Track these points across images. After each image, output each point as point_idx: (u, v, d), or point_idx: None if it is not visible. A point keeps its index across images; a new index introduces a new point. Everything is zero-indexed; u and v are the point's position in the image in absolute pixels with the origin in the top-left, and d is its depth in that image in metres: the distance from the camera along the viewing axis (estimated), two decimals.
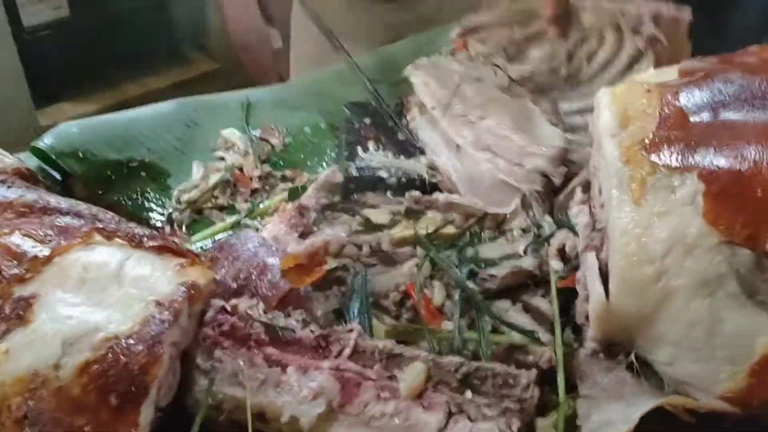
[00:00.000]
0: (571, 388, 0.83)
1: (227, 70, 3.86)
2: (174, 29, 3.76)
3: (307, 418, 0.72)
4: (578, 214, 0.88)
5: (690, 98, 0.78)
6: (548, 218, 1.01)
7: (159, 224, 1.15)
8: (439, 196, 1.04)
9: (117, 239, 0.78)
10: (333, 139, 1.35)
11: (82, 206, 0.87)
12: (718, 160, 0.72)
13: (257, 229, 1.08)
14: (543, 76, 1.23)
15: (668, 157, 0.74)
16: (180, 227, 1.14)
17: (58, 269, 0.73)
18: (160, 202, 1.19)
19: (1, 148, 1.02)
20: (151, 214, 1.16)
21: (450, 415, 0.73)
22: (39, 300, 0.69)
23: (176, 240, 1.07)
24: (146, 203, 1.18)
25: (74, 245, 0.75)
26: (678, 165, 0.73)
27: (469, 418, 0.73)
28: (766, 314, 0.69)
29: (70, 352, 0.66)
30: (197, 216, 1.16)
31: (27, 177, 0.97)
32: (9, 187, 0.89)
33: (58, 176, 1.22)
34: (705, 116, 0.76)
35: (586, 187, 0.97)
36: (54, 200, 0.87)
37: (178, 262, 0.79)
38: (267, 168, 1.25)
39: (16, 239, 0.75)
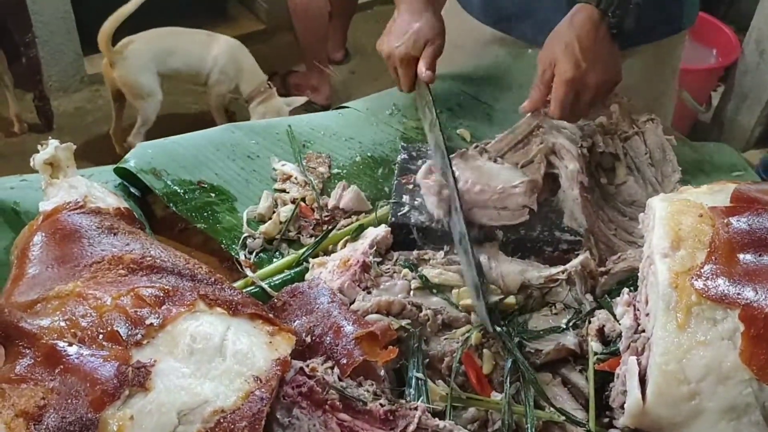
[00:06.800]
0: None
1: (273, 30, 3.92)
2: None
3: None
4: (623, 315, 0.97)
5: (739, 234, 0.86)
6: (589, 297, 1.11)
7: (228, 245, 1.25)
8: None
9: (217, 308, 0.89)
10: (384, 169, 1.44)
11: (181, 261, 0.97)
12: (758, 302, 0.81)
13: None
14: None
15: (714, 290, 0.83)
16: (251, 253, 1.24)
17: (169, 337, 0.83)
18: (230, 223, 1.29)
19: (101, 187, 1.11)
20: (222, 237, 1.27)
21: None
22: (156, 367, 0.80)
23: (249, 271, 1.18)
24: (217, 224, 1.28)
25: (182, 314, 0.86)
26: (722, 300, 0.83)
27: None
28: None
29: (185, 422, 0.77)
30: (268, 245, 1.26)
31: (126, 217, 1.06)
32: (115, 234, 0.99)
33: (138, 193, 1.33)
34: (750, 256, 0.85)
35: (631, 273, 1.06)
36: (156, 252, 0.97)
37: (267, 330, 0.90)
38: (326, 199, 1.34)
39: (132, 303, 0.86)
